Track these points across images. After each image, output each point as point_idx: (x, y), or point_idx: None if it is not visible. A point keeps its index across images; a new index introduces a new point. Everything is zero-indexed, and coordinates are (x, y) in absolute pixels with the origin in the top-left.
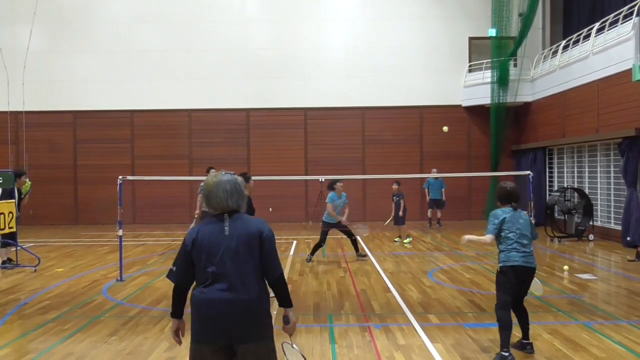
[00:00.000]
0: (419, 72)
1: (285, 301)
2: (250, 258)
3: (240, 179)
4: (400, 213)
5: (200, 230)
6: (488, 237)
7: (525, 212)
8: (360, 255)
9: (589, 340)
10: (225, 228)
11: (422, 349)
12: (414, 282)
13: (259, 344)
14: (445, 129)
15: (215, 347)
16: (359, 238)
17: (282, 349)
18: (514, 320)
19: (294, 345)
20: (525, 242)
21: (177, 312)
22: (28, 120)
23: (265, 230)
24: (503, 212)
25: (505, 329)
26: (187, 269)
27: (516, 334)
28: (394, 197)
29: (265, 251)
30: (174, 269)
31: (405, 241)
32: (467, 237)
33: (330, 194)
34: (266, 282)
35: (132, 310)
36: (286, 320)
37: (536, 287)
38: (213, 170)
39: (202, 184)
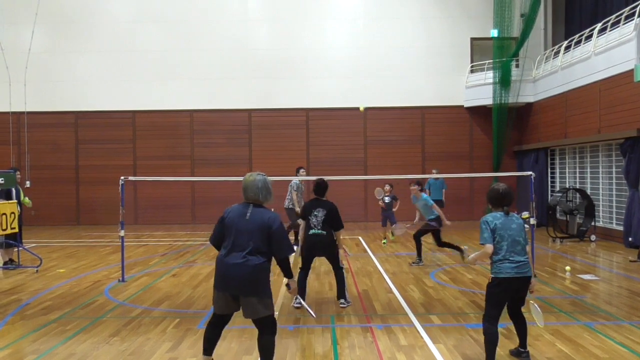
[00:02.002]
0: (420, 72)
1: (287, 274)
2: (259, 239)
3: (268, 179)
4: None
5: (231, 210)
6: (488, 248)
7: (522, 213)
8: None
9: (591, 340)
10: (248, 214)
11: (424, 349)
12: (416, 283)
13: (254, 298)
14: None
15: (227, 294)
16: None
17: (302, 303)
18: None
19: (302, 302)
20: (518, 249)
21: None
22: (30, 121)
23: (275, 224)
24: (494, 218)
25: (490, 342)
26: (218, 236)
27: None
28: (386, 198)
29: (274, 240)
30: (213, 234)
31: (384, 241)
32: (471, 257)
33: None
34: (269, 257)
35: (134, 311)
36: (288, 286)
37: (538, 317)
38: (302, 169)
39: (292, 182)
